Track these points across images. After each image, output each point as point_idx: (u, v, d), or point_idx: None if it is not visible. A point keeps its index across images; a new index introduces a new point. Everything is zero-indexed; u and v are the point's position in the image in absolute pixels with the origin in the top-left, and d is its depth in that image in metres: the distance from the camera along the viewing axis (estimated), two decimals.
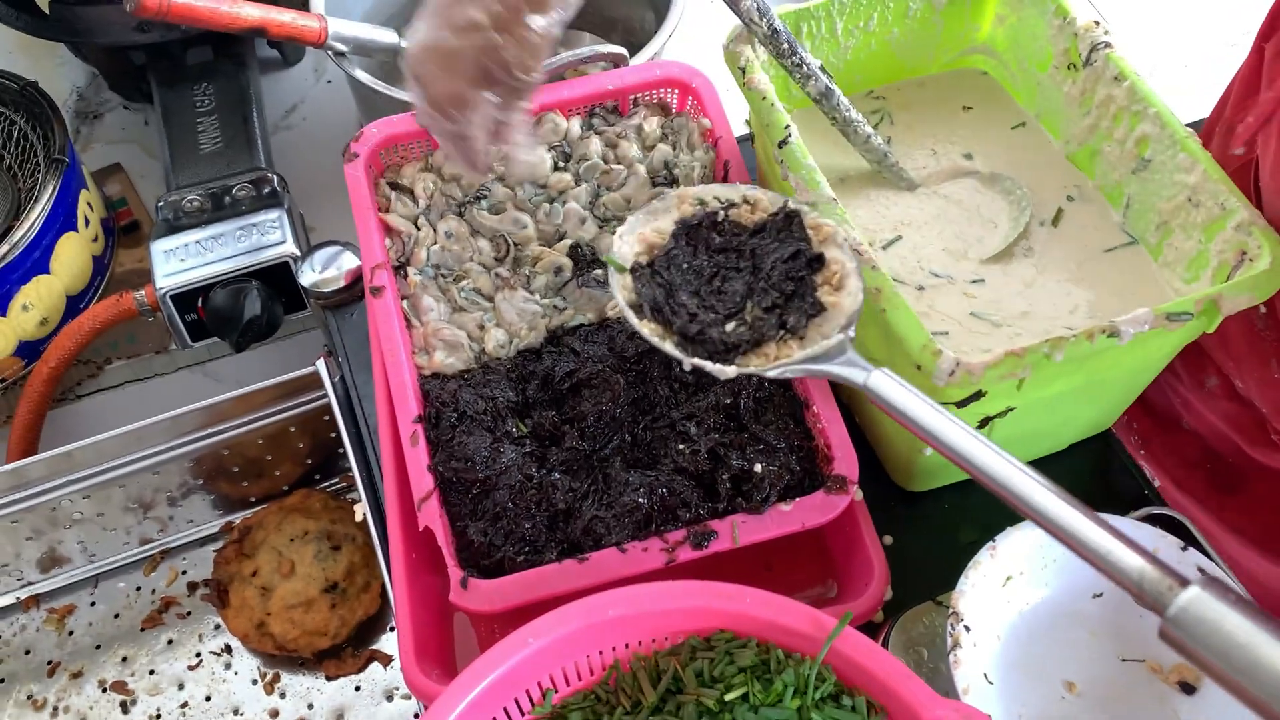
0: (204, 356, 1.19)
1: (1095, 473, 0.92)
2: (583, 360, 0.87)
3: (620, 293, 0.77)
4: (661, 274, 0.77)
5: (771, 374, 0.72)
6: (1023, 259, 0.87)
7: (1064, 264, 0.86)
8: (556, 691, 0.70)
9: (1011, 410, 0.78)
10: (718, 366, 0.73)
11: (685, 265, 0.77)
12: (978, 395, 0.74)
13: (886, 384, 0.65)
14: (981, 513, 0.90)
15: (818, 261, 0.76)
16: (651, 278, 0.77)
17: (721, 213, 0.79)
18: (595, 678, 0.69)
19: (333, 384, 0.97)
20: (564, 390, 0.86)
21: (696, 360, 0.73)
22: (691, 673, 0.66)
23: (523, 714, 0.69)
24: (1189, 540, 0.85)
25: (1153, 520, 0.86)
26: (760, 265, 0.76)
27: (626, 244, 0.79)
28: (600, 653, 0.69)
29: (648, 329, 0.75)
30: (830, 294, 0.74)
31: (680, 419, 0.84)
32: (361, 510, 0.90)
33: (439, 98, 0.70)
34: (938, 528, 0.90)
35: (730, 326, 0.74)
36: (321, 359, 0.96)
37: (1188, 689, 0.74)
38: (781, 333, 0.74)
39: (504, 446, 0.83)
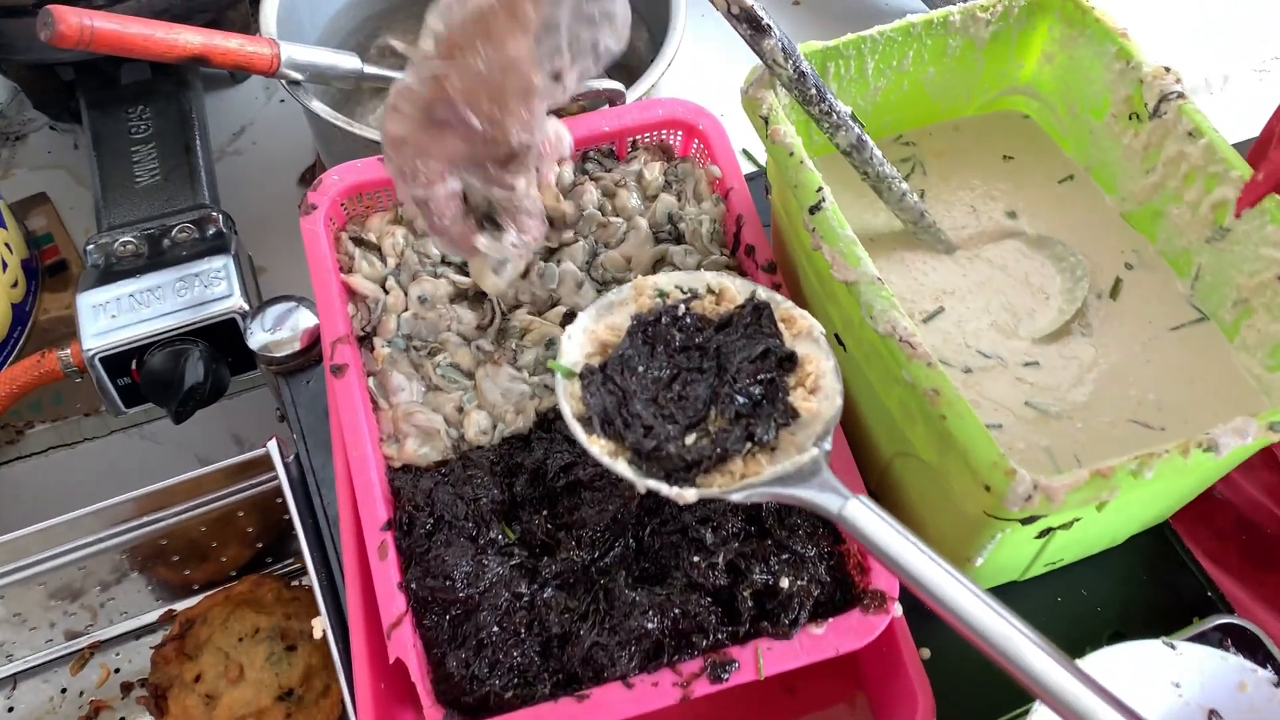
0: (140, 418, 1.06)
1: (1150, 567, 0.82)
2: (578, 451, 0.75)
3: (567, 402, 0.67)
4: (614, 379, 0.67)
5: (736, 498, 0.62)
6: (1080, 337, 0.76)
7: (1126, 344, 0.76)
8: None
9: (1078, 520, 0.68)
10: (675, 490, 0.63)
11: (642, 368, 0.68)
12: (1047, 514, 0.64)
13: (864, 516, 0.58)
14: (1030, 614, 0.80)
15: (789, 361, 0.67)
16: (603, 384, 0.67)
17: (683, 306, 0.70)
18: None
19: (285, 465, 0.85)
20: (558, 488, 0.74)
21: (651, 482, 0.63)
22: None
23: None
24: (1265, 655, 0.76)
25: (1224, 629, 0.76)
26: (726, 366, 0.67)
27: (576, 345, 0.69)
28: None
29: (598, 446, 0.65)
30: (804, 398, 0.65)
31: (694, 523, 0.72)
32: (321, 625, 0.77)
33: (409, 156, 0.61)
34: None
35: (691, 439, 0.64)
36: (273, 440, 0.83)
37: None
38: (749, 445, 0.64)
39: (488, 559, 0.71)
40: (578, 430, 0.65)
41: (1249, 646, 0.76)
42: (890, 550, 0.56)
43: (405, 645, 0.68)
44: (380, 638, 0.69)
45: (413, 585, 0.70)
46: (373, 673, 0.71)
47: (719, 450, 0.63)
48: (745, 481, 0.63)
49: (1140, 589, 0.81)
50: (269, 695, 0.88)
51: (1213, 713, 0.67)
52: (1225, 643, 0.76)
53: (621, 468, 0.64)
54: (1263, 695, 0.66)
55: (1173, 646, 0.67)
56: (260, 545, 0.96)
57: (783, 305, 0.69)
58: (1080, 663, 0.67)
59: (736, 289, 0.70)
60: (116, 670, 0.96)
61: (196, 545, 0.94)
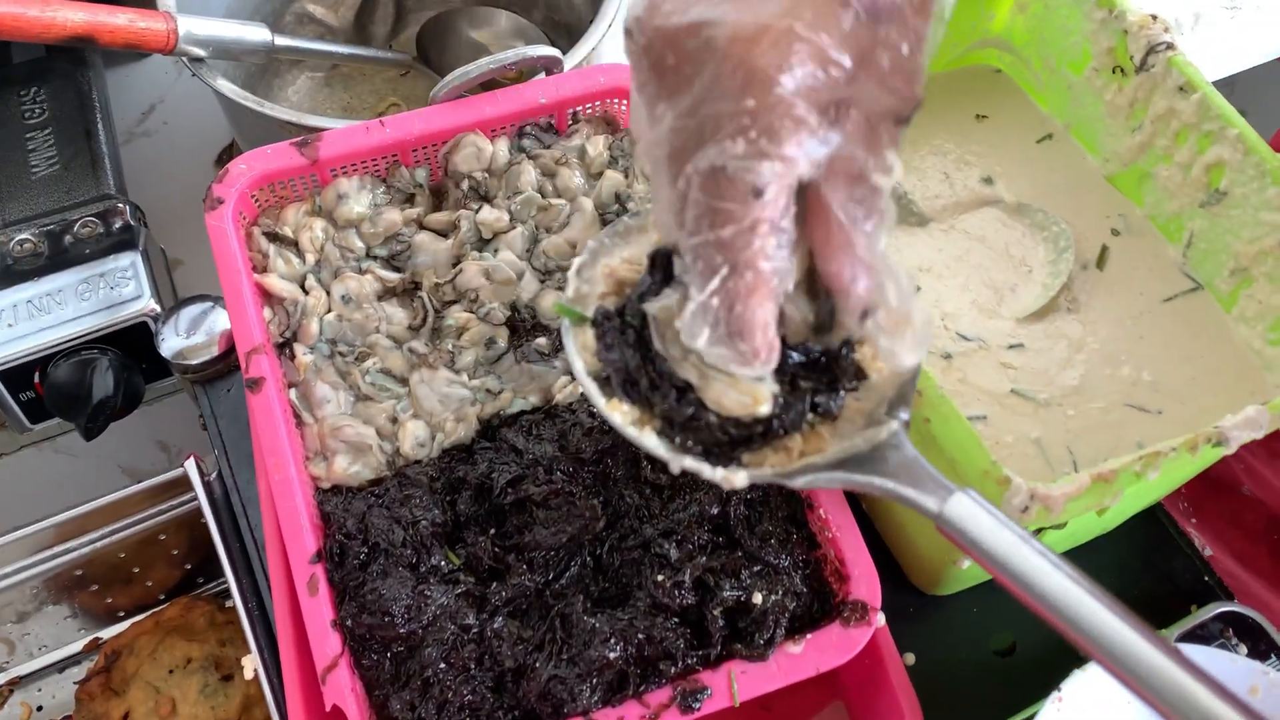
0: (54, 430, 0.97)
1: (1144, 554, 0.77)
2: (526, 463, 0.69)
3: (579, 356, 0.55)
4: (637, 326, 0.53)
5: (798, 483, 0.50)
6: (1066, 314, 0.70)
7: (1117, 319, 0.70)
8: None
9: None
10: (721, 473, 0.51)
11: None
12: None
13: (977, 517, 0.45)
14: (1018, 616, 0.75)
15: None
16: (623, 333, 0.53)
17: None
18: None
19: (206, 484, 0.77)
20: (505, 505, 0.67)
21: (689, 460, 0.51)
22: None
23: None
24: (1268, 644, 0.71)
25: (1224, 618, 0.72)
26: None
27: (585, 282, 0.57)
28: None
29: (619, 414, 0.53)
30: (873, 356, 0.52)
31: (656, 537, 0.66)
32: (252, 665, 0.70)
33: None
34: (967, 638, 0.74)
35: None
36: (191, 460, 0.76)
37: None
38: (809, 415, 0.51)
39: (431, 588, 0.64)
40: (594, 392, 0.54)
41: (1251, 635, 0.72)
42: (1015, 564, 0.44)
43: (342, 690, 0.61)
44: (315, 679, 0.63)
45: (348, 623, 0.63)
46: (309, 717, 0.64)
47: (774, 422, 0.50)
48: (806, 461, 0.51)
49: (1135, 578, 0.76)
50: None
51: None
52: (1227, 632, 0.72)
53: (650, 441, 0.52)
54: (1275, 699, 0.62)
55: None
56: (189, 566, 0.89)
57: None
58: (1079, 672, 0.62)
59: None
60: (39, 708, 0.89)
61: (118, 570, 0.86)
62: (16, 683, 0.89)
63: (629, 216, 0.58)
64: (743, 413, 0.49)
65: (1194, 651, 0.62)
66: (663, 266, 0.52)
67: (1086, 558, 0.76)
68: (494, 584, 0.65)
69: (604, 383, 0.54)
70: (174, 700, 0.82)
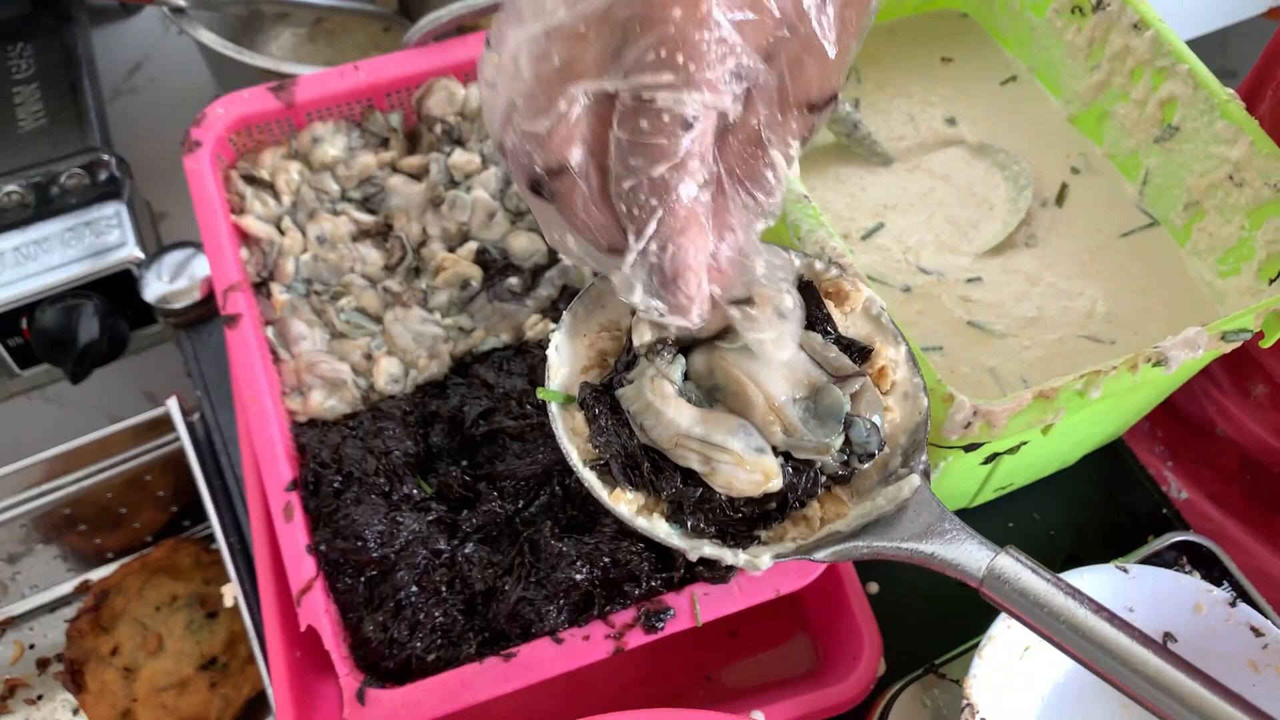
0: (43, 380, 0.99)
1: (1104, 487, 0.79)
2: (497, 396, 0.70)
3: (572, 444, 0.49)
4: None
5: (820, 556, 0.46)
6: (1025, 250, 0.72)
7: (1074, 254, 0.71)
8: None
9: (1024, 445, 0.64)
10: (745, 557, 0.47)
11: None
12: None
13: (1022, 576, 0.42)
14: None
15: (861, 356, 0.50)
16: (614, 412, 0.49)
17: None
18: None
19: (189, 424, 0.79)
20: (477, 436, 0.69)
21: (708, 548, 0.47)
22: None
23: None
24: (1220, 571, 0.73)
25: (1179, 547, 0.74)
26: None
27: (564, 359, 0.51)
28: None
29: (625, 504, 0.48)
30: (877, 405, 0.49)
31: None
32: (232, 593, 0.73)
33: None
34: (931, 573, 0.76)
35: None
36: (174, 399, 0.78)
37: None
38: (824, 479, 0.48)
39: (403, 515, 0.66)
40: (594, 484, 0.48)
41: (1205, 564, 0.73)
42: (1069, 617, 0.41)
43: (316, 611, 0.63)
44: (291, 604, 0.65)
45: (322, 548, 0.65)
46: (286, 641, 0.66)
47: (788, 495, 0.47)
48: (829, 530, 0.47)
49: (1094, 511, 0.78)
50: (190, 665, 0.84)
51: (1168, 635, 0.64)
52: (1181, 560, 0.73)
53: (661, 529, 0.48)
54: (1218, 616, 0.63)
55: (1125, 570, 0.64)
56: (175, 509, 0.91)
57: (829, 275, 0.51)
58: None
59: None
60: (31, 646, 0.91)
61: (106, 512, 0.88)
62: (9, 622, 0.92)
63: (598, 280, 0.52)
64: (755, 491, 0.46)
65: (1143, 572, 0.64)
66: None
67: (1049, 491, 0.78)
68: (465, 511, 0.67)
69: (603, 470, 0.49)
70: (160, 636, 0.85)
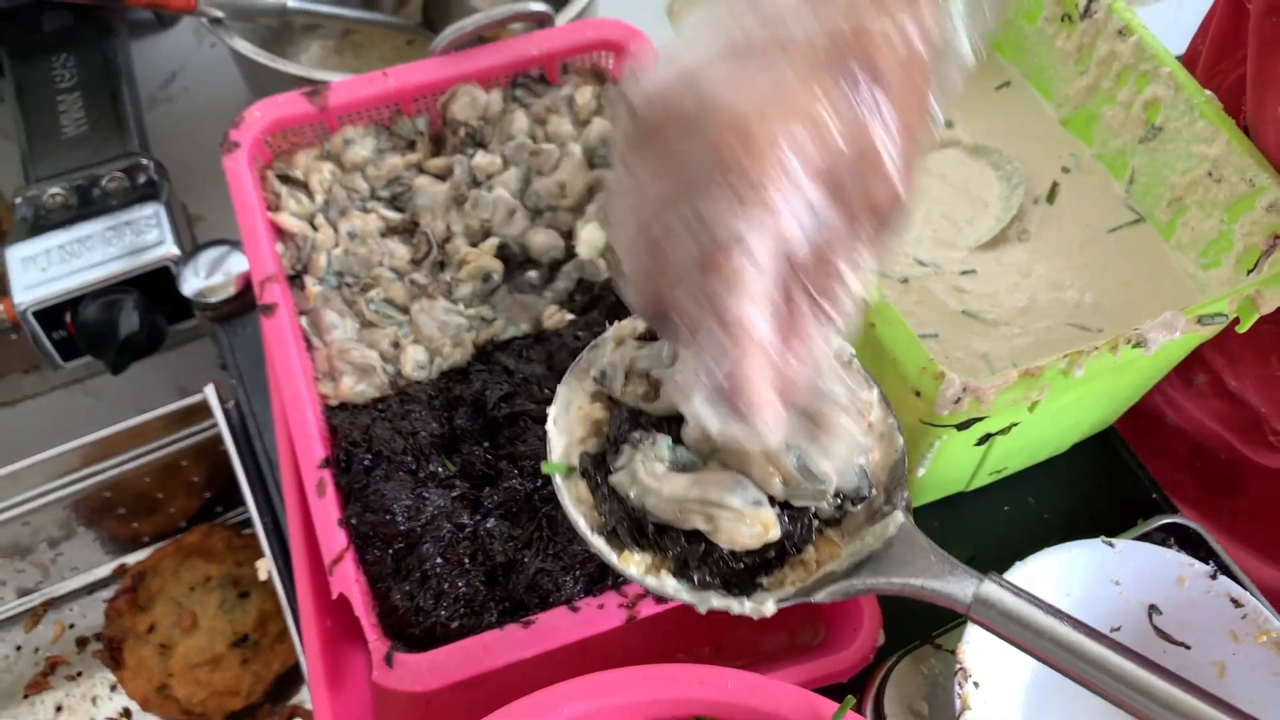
0: (82, 374, 1.04)
1: (1096, 474, 0.83)
2: (517, 381, 0.75)
3: (578, 512, 0.52)
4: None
5: (820, 597, 0.49)
6: (1017, 243, 0.76)
7: (1064, 248, 0.75)
8: None
9: (1015, 426, 0.68)
10: (751, 605, 0.49)
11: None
12: (980, 416, 0.64)
13: (1005, 600, 0.46)
14: (975, 530, 0.80)
15: None
16: (609, 479, 0.52)
17: None
18: None
19: (225, 411, 0.84)
20: (498, 419, 0.73)
21: (716, 601, 0.50)
22: None
23: None
24: (1207, 552, 0.76)
25: (1167, 529, 0.77)
26: None
27: (562, 431, 0.54)
28: None
29: (634, 565, 0.50)
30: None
31: None
32: (265, 567, 0.77)
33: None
34: None
35: None
36: (211, 386, 0.82)
37: None
38: (816, 524, 0.51)
39: (429, 491, 0.70)
40: (604, 550, 0.51)
41: (1191, 545, 0.77)
42: (1056, 634, 0.45)
43: (348, 580, 0.67)
44: (324, 575, 0.69)
45: (353, 521, 0.69)
46: (319, 611, 0.71)
47: (785, 544, 0.50)
48: (825, 571, 0.50)
49: (1086, 496, 0.81)
50: (224, 642, 0.88)
51: (1152, 608, 0.68)
52: (1169, 542, 0.77)
53: (670, 586, 0.50)
54: (1200, 588, 0.67)
55: (1111, 545, 0.67)
56: (208, 495, 0.96)
57: None
58: (1020, 565, 0.68)
59: None
60: (71, 625, 0.96)
61: (143, 498, 0.93)
62: (51, 604, 0.96)
63: (589, 350, 0.54)
64: (757, 544, 0.48)
65: (1128, 546, 0.68)
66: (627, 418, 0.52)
67: (1043, 477, 0.81)
68: (486, 489, 0.71)
69: (610, 534, 0.51)
70: (195, 614, 0.89)
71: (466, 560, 0.69)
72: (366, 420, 0.73)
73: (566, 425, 0.54)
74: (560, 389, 0.54)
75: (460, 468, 0.72)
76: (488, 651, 0.65)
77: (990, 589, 0.46)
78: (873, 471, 0.51)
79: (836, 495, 0.50)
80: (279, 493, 0.84)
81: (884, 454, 0.51)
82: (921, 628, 0.73)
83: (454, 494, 0.71)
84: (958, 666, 0.64)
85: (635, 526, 0.50)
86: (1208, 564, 0.74)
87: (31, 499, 0.86)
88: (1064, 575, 0.67)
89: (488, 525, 0.70)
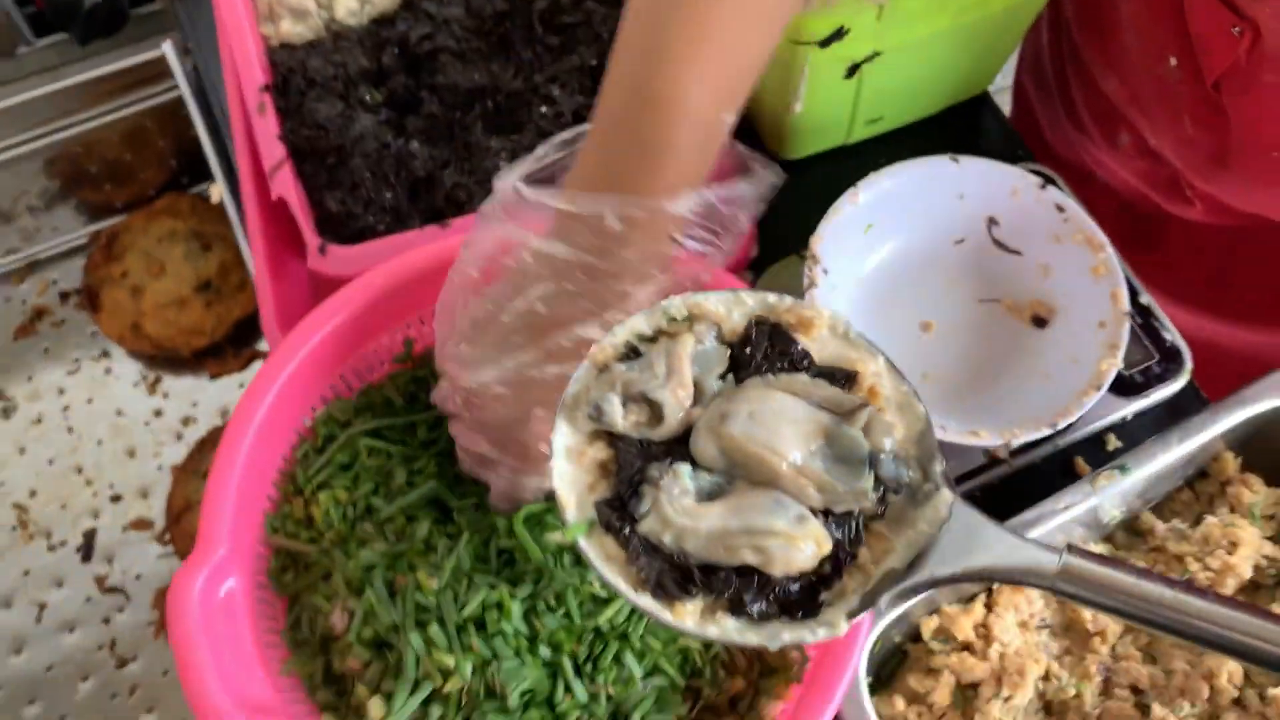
0: (53, 61, 1.11)
1: (970, 131, 0.91)
2: (439, 23, 0.82)
3: (613, 572, 0.46)
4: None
5: (888, 600, 0.47)
6: None
7: None
8: (417, 341, 0.70)
9: (879, 55, 0.76)
10: (824, 631, 0.45)
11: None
12: (840, 33, 0.72)
13: (1088, 570, 0.44)
14: (857, 179, 0.89)
15: (848, 381, 0.48)
16: (638, 529, 0.46)
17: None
18: None
19: (185, 74, 0.92)
20: (421, 54, 0.82)
21: (787, 635, 0.45)
22: None
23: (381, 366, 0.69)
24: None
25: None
26: None
27: (569, 483, 0.47)
28: None
29: (689, 615, 0.45)
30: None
31: (544, 82, 0.81)
32: (218, 192, 0.86)
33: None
34: (809, 194, 0.88)
35: None
36: (169, 41, 0.90)
37: (1040, 323, 0.76)
38: (863, 523, 0.47)
39: (358, 114, 0.79)
40: (653, 608, 0.45)
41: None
42: (1137, 595, 0.44)
43: (286, 185, 0.76)
44: (267, 187, 0.78)
45: (290, 135, 0.78)
46: (262, 217, 0.80)
47: (839, 553, 0.45)
48: (884, 569, 0.45)
49: (956, 145, 0.89)
50: (189, 286, 0.99)
51: (991, 220, 0.78)
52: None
53: (731, 629, 0.45)
54: (1031, 198, 0.76)
55: (956, 160, 0.76)
56: (174, 164, 1.05)
57: (786, 308, 0.49)
58: (875, 175, 0.77)
59: (718, 308, 0.49)
60: (54, 282, 1.06)
61: (115, 163, 1.02)
62: (35, 265, 1.06)
63: (570, 384, 0.49)
64: (814, 563, 0.45)
65: (969, 161, 0.77)
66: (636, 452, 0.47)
67: (919, 139, 0.89)
68: (409, 115, 0.80)
69: (656, 588, 0.45)
70: (163, 262, 0.99)
71: (391, 175, 0.78)
72: (302, 55, 0.81)
73: (572, 477, 0.47)
74: (555, 439, 0.47)
75: (386, 97, 0.81)
76: (409, 243, 0.74)
77: (1076, 562, 0.44)
78: (902, 448, 0.47)
79: (876, 486, 0.46)
80: (232, 141, 0.92)
81: (908, 426, 0.47)
82: (793, 248, 0.82)
83: (380, 118, 0.80)
84: (809, 254, 0.74)
85: (679, 573, 0.45)
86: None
87: (5, 149, 0.94)
88: (913, 190, 0.77)
89: (410, 146, 0.79)
